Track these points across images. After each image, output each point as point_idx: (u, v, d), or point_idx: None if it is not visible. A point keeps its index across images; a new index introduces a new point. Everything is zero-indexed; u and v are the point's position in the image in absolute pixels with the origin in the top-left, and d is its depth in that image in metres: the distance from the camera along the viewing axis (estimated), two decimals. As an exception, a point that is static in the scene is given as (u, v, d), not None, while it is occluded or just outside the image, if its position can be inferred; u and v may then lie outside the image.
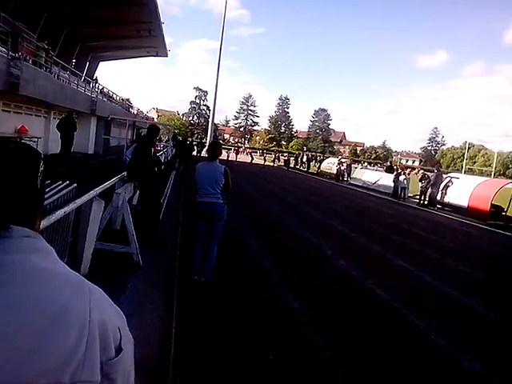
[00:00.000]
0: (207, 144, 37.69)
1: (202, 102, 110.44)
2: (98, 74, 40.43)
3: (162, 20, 27.55)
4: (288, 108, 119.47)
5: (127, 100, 52.15)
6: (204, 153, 29.95)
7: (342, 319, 5.15)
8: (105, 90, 32.66)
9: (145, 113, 67.47)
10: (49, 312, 0.78)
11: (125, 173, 7.48)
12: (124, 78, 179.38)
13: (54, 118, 20.18)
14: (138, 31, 28.11)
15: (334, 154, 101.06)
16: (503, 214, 17.87)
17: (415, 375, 4.00)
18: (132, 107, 47.89)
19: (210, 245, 5.75)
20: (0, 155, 0.85)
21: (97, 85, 29.64)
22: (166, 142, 32.98)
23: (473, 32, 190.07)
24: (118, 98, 38.84)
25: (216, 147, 6.00)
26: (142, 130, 35.21)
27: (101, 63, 42.70)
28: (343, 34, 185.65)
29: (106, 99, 30.83)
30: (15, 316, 0.75)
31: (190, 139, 47.10)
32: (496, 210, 18.01)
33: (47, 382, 0.74)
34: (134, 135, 33.22)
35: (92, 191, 5.18)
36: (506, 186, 19.42)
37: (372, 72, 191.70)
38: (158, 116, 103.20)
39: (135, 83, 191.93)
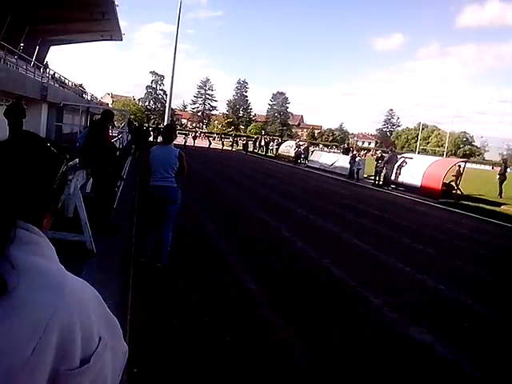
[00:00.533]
0: (164, 129, 37.04)
1: (158, 86, 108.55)
2: (49, 58, 39.03)
3: (115, 2, 26.73)
4: (246, 92, 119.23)
5: (80, 86, 50.63)
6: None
7: (300, 299, 5.23)
8: (56, 75, 31.55)
9: (99, 98, 65.77)
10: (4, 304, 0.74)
11: (77, 159, 7.27)
12: (78, 63, 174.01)
13: (1, 105, 19.34)
14: (91, 14, 27.11)
15: (292, 137, 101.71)
16: (454, 192, 18.50)
17: (369, 349, 4.13)
18: (86, 93, 46.53)
19: (165, 229, 5.70)
20: (24, 152, 0.88)
21: (47, 70, 28.56)
22: (121, 128, 32.30)
23: (428, 15, 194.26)
24: (70, 83, 37.65)
25: (170, 130, 5.93)
26: (96, 117, 34.35)
27: (52, 48, 41.12)
28: (302, 18, 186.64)
29: (57, 85, 29.77)
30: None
31: (146, 125, 46.33)
32: (447, 188, 18.64)
33: None
34: (87, 121, 32.36)
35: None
36: (457, 164, 20.12)
37: (330, 56, 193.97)
38: (113, 101, 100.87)
39: (89, 68, 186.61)
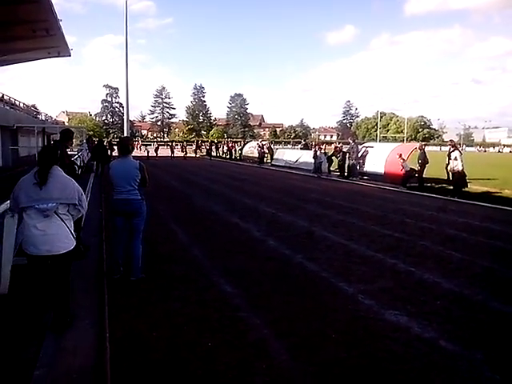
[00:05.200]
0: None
1: (113, 99, 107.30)
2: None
3: (58, 17, 26.08)
4: (204, 96, 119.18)
5: (33, 106, 49.44)
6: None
7: (275, 296, 5.28)
8: (5, 97, 30.67)
9: (54, 117, 64.40)
10: (66, 183, 4.19)
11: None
12: (28, 83, 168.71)
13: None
14: (34, 31, 26.23)
15: (254, 137, 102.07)
16: (416, 175, 18.90)
17: (347, 337, 4.21)
18: (39, 113, 45.51)
19: (134, 242, 5.67)
20: (48, 149, 4.46)
21: (-5, 93, 27.80)
22: (80, 145, 31.70)
23: (376, 5, 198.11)
24: (22, 104, 36.69)
25: (127, 142, 5.88)
26: (54, 136, 33.62)
27: (-3, 69, 39.82)
28: (253, 18, 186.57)
29: (8, 107, 28.99)
30: (58, 183, 4.09)
31: (107, 139, 45.58)
32: (410, 172, 19.03)
33: (70, 198, 4.13)
34: (45, 142, 31.66)
35: (2, 205, 4.95)
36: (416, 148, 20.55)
37: (284, 54, 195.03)
38: (69, 119, 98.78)
39: (41, 87, 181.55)
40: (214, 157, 45.07)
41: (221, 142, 64.23)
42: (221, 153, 49.57)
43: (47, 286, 4.33)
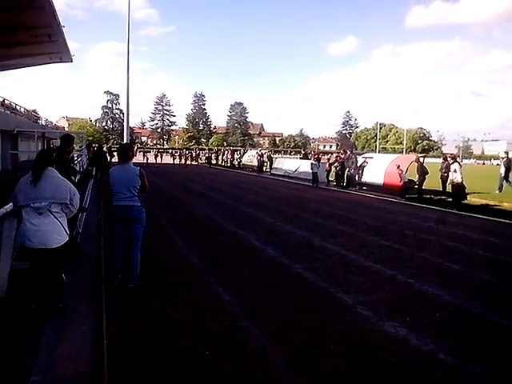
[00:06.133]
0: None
1: (114, 106, 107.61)
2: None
3: (61, 23, 26.17)
4: (204, 104, 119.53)
5: (33, 111, 49.56)
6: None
7: (274, 306, 5.26)
8: (6, 101, 30.69)
9: (54, 123, 64.51)
10: (59, 183, 4.65)
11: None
12: (29, 88, 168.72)
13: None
14: (36, 37, 26.35)
15: (254, 146, 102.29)
16: (415, 187, 18.92)
17: (346, 348, 4.18)
18: (40, 118, 45.61)
19: (133, 249, 5.65)
20: (45, 151, 5.29)
21: (-4, 97, 27.82)
22: (80, 151, 31.68)
23: (378, 16, 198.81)
24: (23, 109, 36.73)
25: (127, 148, 5.89)
26: (53, 142, 33.64)
27: (-1, 74, 39.84)
28: (255, 27, 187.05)
29: (9, 112, 29.02)
30: (51, 184, 4.55)
31: (107, 145, 45.66)
32: (409, 183, 19.04)
33: (61, 198, 4.59)
34: (44, 147, 31.64)
35: (1, 209, 4.93)
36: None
37: (286, 64, 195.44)
38: (69, 125, 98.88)
39: (43, 92, 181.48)
40: (213, 165, 45.14)
41: (220, 150, 64.37)
42: (220, 161, 49.72)
43: (39, 278, 4.70)
